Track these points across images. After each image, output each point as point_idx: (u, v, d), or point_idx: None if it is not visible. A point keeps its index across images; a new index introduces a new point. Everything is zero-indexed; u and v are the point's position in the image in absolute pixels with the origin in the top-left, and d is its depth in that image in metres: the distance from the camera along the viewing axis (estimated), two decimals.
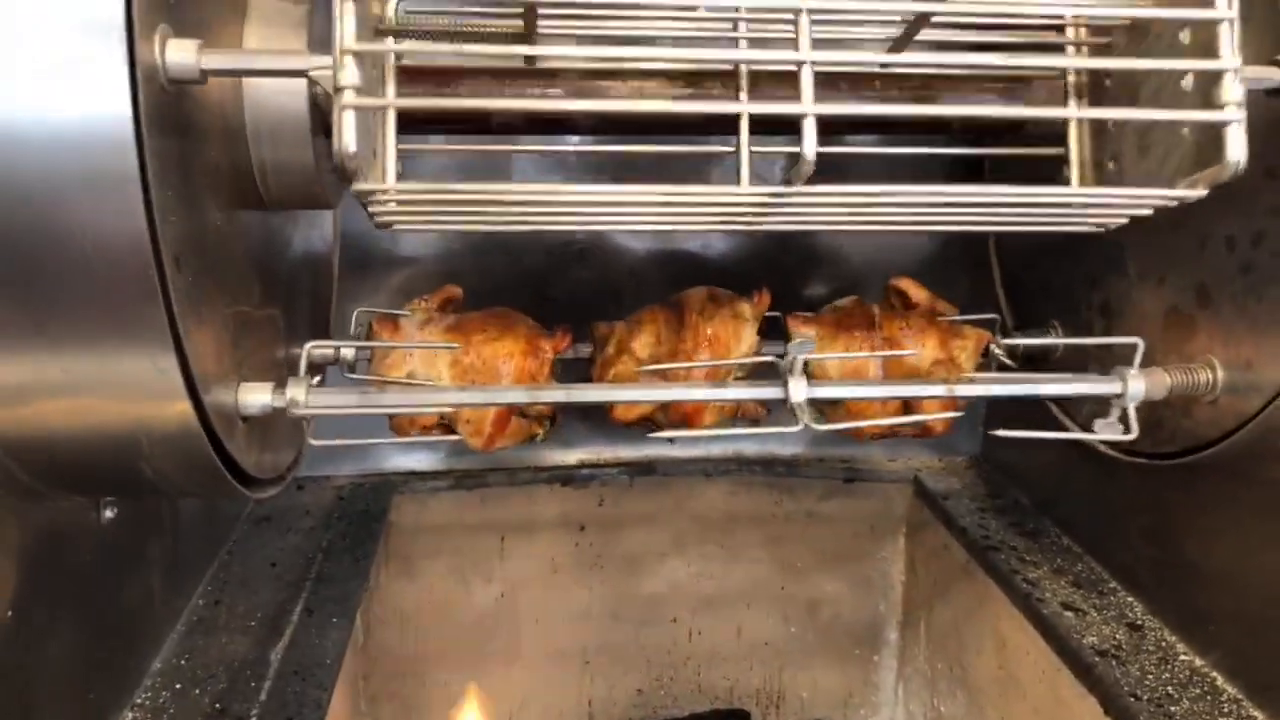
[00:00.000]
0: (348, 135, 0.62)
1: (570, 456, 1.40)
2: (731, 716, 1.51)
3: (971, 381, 0.92)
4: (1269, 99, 0.72)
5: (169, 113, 0.61)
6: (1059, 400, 1.07)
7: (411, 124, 0.91)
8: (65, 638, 0.77)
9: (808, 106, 0.63)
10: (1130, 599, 1.06)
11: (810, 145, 0.65)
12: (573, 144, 1.14)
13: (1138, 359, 0.87)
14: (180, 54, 0.60)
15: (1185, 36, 0.73)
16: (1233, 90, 0.67)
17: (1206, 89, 0.69)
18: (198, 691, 0.90)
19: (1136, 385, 0.86)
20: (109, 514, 0.81)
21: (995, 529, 1.24)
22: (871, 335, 0.98)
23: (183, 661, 0.94)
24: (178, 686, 0.91)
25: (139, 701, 0.88)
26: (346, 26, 0.60)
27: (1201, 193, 0.72)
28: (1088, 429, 0.91)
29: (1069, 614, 1.04)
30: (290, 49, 0.72)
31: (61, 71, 0.55)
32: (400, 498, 1.32)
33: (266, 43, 0.74)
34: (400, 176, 0.78)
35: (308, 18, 0.75)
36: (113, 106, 0.55)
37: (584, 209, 0.76)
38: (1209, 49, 0.67)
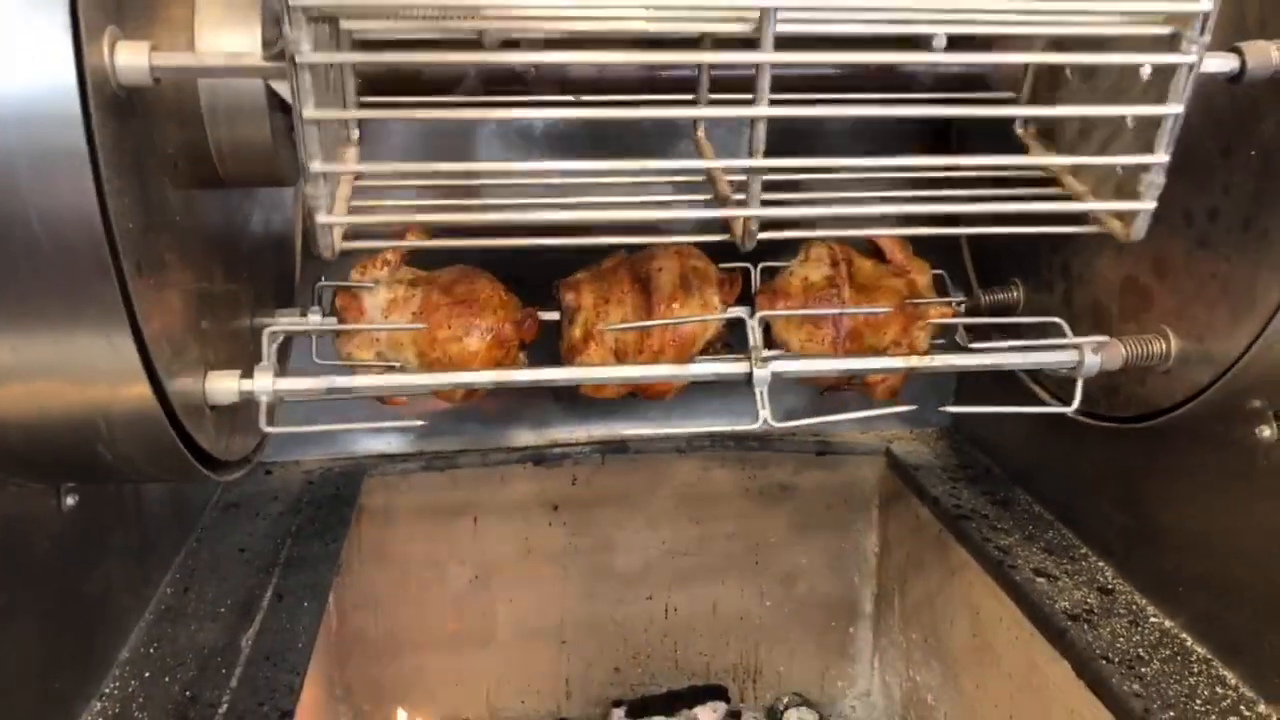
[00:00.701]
0: (324, 244, 0.67)
1: (542, 436, 1.39)
2: (708, 693, 1.51)
3: (933, 356, 0.93)
4: (1228, 84, 0.73)
5: (119, 101, 0.59)
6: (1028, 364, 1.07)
7: (372, 99, 0.90)
8: (27, 628, 0.75)
9: (767, 55, 0.62)
10: (1101, 564, 1.07)
11: (764, 98, 0.65)
12: (537, 115, 1.13)
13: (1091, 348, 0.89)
14: (131, 57, 0.59)
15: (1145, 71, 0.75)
16: (1151, 188, 0.73)
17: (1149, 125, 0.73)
18: (167, 679, 0.89)
19: (1093, 358, 0.88)
20: (70, 501, 0.80)
21: (967, 498, 1.24)
22: (838, 311, 0.98)
23: (151, 650, 0.93)
24: (147, 675, 0.89)
25: (107, 691, 0.87)
26: None
27: (1096, 230, 0.80)
28: (1057, 395, 0.92)
29: (1041, 580, 1.05)
30: (245, 50, 0.69)
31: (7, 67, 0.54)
32: (371, 481, 1.31)
33: (220, 14, 0.72)
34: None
35: (258, 12, 0.73)
36: (61, 99, 0.54)
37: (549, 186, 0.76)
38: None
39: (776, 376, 0.84)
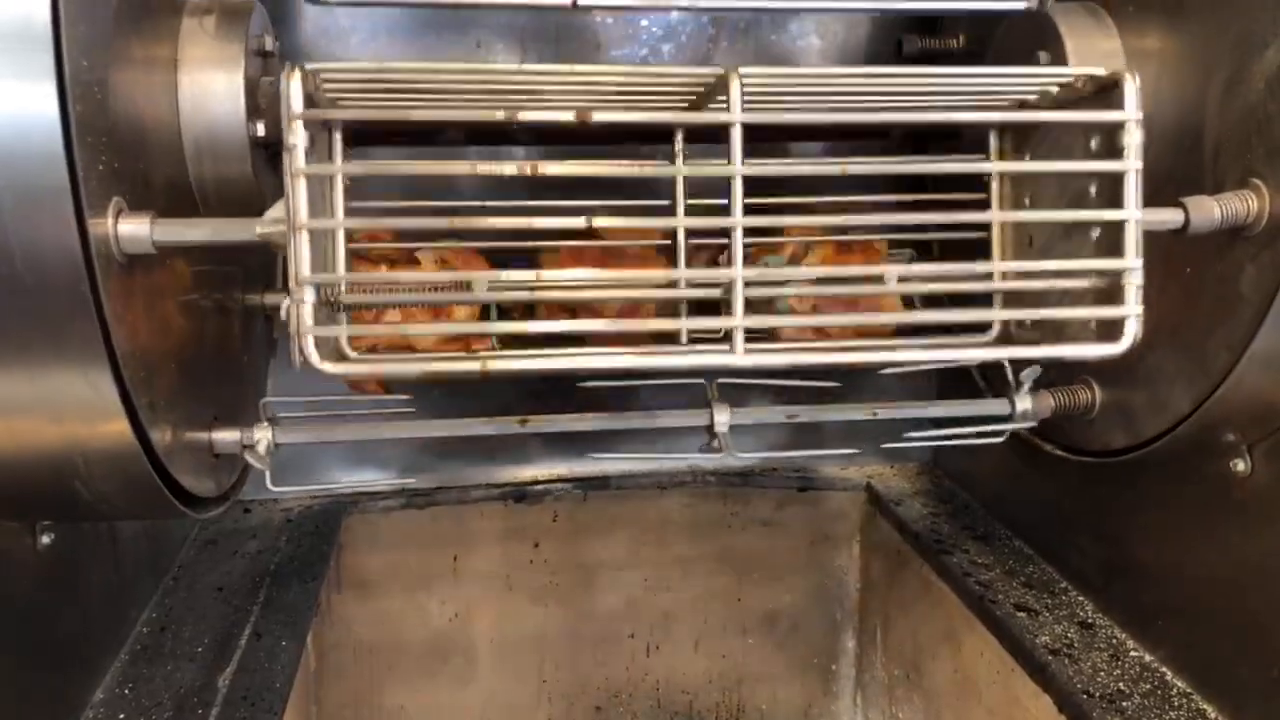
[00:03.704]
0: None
1: (523, 472, 1.39)
2: None
3: (877, 408, 0.97)
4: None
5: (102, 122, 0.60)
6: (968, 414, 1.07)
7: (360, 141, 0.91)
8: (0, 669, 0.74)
9: (735, 115, 0.64)
10: (1081, 598, 1.08)
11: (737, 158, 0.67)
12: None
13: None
14: (133, 227, 0.61)
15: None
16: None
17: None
18: None
19: (1024, 406, 0.95)
20: (46, 539, 0.79)
21: (948, 533, 1.25)
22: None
23: (126, 691, 0.92)
24: (121, 717, 0.88)
25: None
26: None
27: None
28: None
29: (1022, 615, 1.05)
30: (242, 227, 0.69)
31: None
32: (350, 519, 1.30)
33: (203, 71, 0.73)
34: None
35: (242, 52, 0.74)
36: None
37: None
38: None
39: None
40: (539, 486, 1.38)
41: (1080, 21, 0.86)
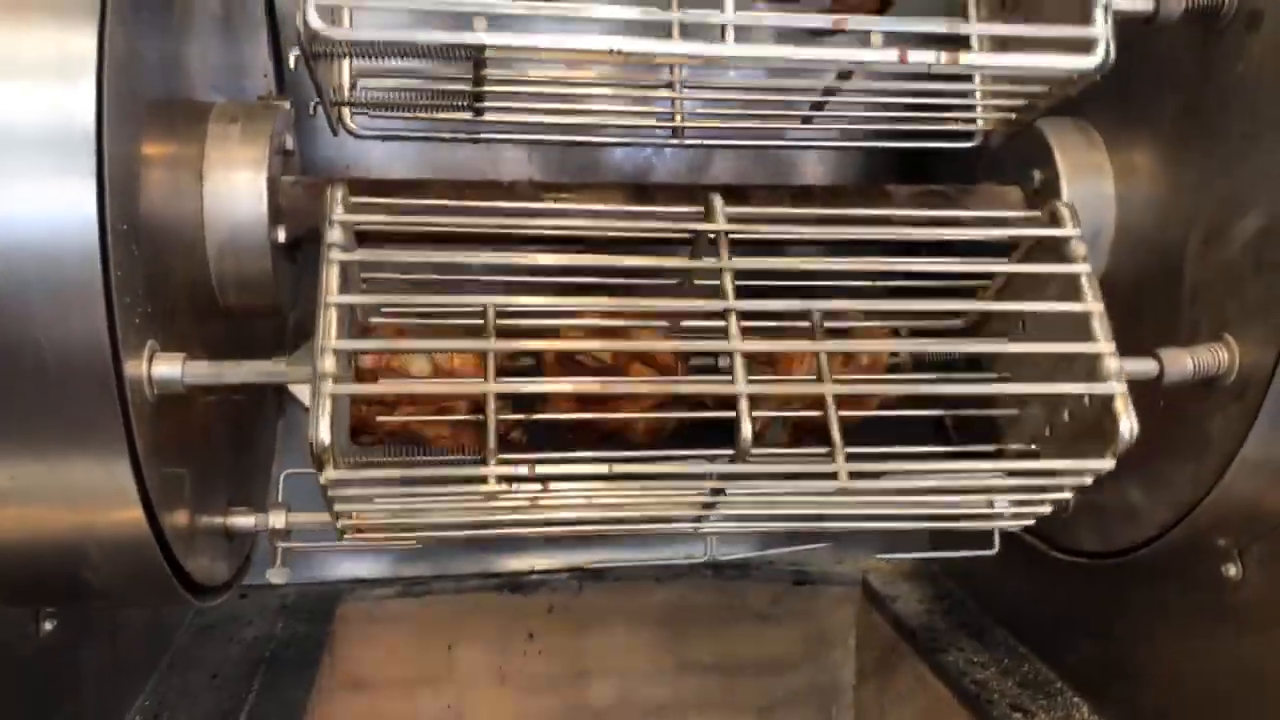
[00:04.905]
0: None
1: (519, 562, 1.39)
2: None
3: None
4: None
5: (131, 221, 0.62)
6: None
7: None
8: None
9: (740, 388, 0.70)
10: (1076, 699, 1.08)
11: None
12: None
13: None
14: (166, 369, 0.64)
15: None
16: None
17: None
18: None
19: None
20: (48, 626, 0.79)
21: (943, 629, 1.25)
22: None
23: None
24: None
25: None
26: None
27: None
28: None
29: (1018, 715, 1.05)
30: (271, 368, 0.71)
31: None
32: (345, 606, 1.30)
33: (229, 172, 0.76)
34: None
35: (266, 155, 0.77)
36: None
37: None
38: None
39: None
40: (535, 576, 1.38)
41: (1070, 138, 0.90)
